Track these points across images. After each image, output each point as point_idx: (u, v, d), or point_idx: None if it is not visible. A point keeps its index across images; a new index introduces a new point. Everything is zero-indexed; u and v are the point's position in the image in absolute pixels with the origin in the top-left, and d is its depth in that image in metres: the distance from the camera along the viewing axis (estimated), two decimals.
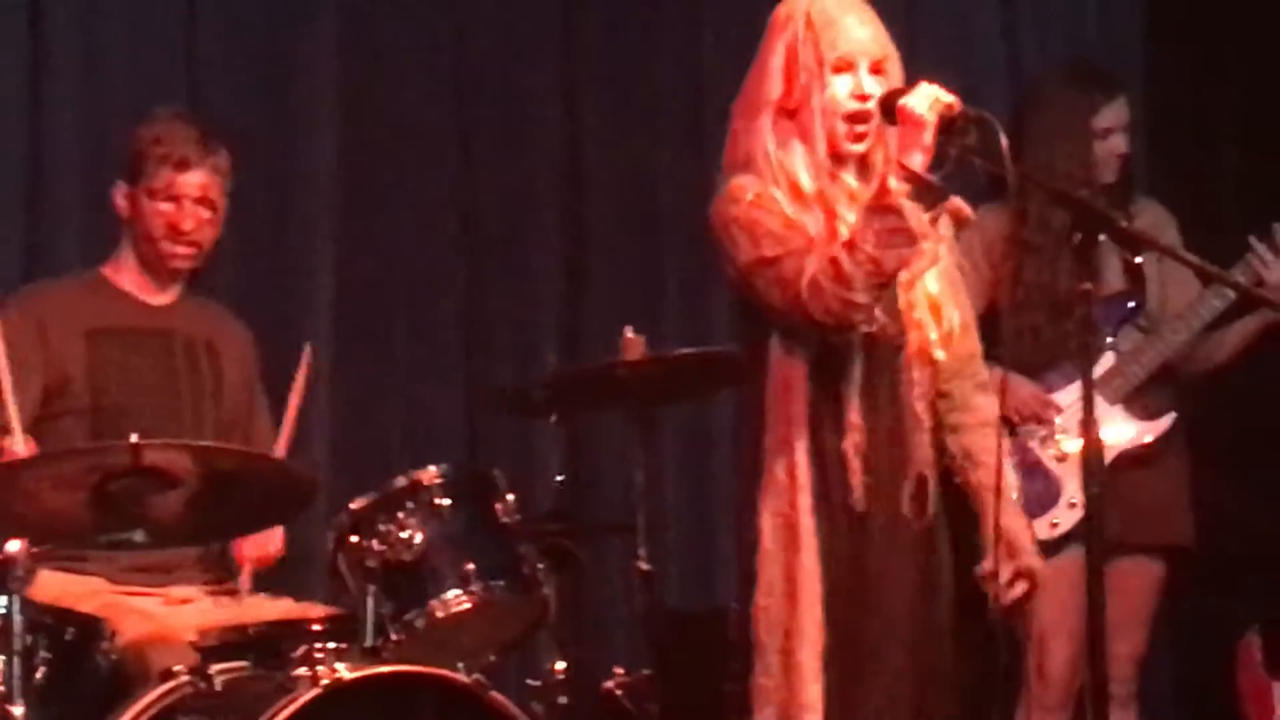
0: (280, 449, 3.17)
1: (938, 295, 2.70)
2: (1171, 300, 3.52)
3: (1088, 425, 2.58)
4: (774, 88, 2.60)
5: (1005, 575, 2.66)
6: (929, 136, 2.53)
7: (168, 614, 3.04)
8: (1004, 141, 2.57)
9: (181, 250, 3.16)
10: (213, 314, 3.34)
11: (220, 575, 3.19)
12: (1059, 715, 3.49)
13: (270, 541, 3.18)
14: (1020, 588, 2.69)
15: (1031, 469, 3.36)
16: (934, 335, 2.70)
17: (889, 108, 2.60)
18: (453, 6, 4.21)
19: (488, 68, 4.26)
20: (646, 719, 3.45)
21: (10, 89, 3.80)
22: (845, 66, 2.58)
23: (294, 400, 3.25)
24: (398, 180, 4.20)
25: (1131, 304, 3.47)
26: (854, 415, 2.66)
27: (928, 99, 2.55)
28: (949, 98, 2.57)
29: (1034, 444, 3.43)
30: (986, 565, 2.66)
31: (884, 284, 2.54)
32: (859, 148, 2.57)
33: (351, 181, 4.15)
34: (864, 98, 2.55)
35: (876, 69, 2.57)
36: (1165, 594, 3.59)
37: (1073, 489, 3.33)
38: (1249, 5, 4.44)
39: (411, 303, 4.17)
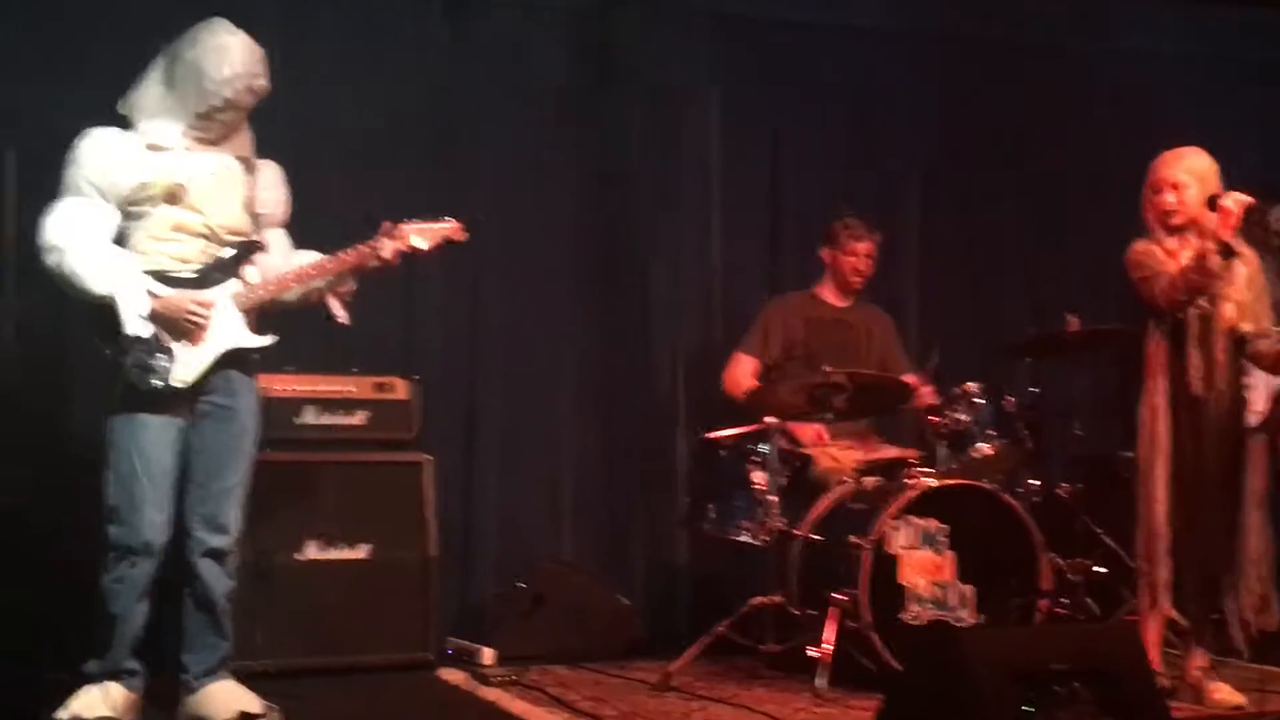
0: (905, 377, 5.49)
1: (1244, 298, 4.47)
2: None
3: None
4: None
5: None
6: (1236, 219, 4.35)
7: (841, 454, 5.42)
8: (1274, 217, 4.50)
9: (856, 280, 5.70)
10: (869, 312, 5.80)
11: (862, 435, 5.57)
12: None
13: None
14: None
15: None
16: (1236, 314, 4.45)
17: (1213, 203, 4.41)
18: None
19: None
20: (1076, 514, 5.39)
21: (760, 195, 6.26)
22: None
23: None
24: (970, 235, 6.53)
25: None
26: (1194, 354, 4.45)
27: (1236, 199, 4.38)
28: (1248, 199, 4.36)
29: None
30: None
31: (1197, 294, 4.41)
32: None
33: (937, 216, 6.43)
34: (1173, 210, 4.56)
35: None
36: None
37: None
38: None
39: (968, 297, 6.45)
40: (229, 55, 4.17)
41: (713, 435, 5.22)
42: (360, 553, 5.08)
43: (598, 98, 6.11)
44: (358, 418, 5.21)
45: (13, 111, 5.01)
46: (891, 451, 5.45)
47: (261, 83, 4.27)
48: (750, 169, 6.34)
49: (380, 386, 5.28)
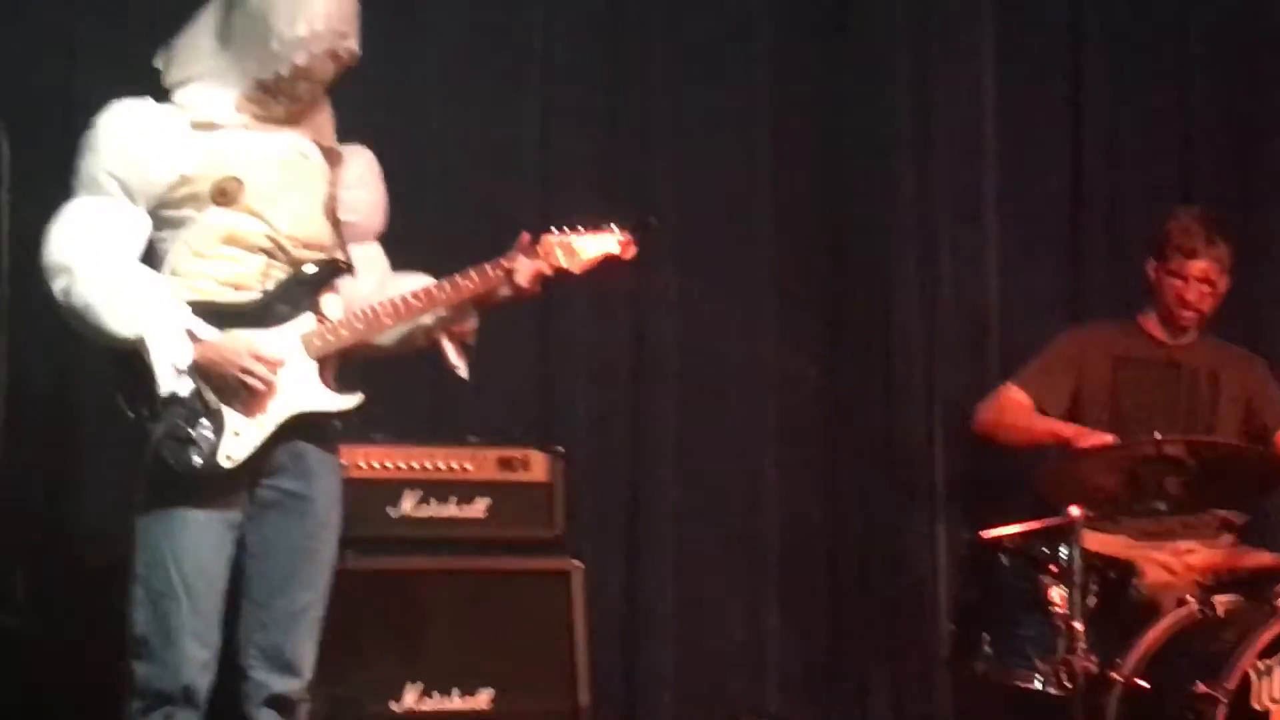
0: None
1: None
2: None
3: None
4: None
5: None
6: None
7: (1177, 561, 5.16)
8: None
9: (1185, 314, 5.34)
10: (1221, 353, 5.43)
11: (1209, 534, 5.27)
12: None
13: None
14: None
15: None
16: None
17: None
18: None
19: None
20: None
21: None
22: None
23: None
24: None
25: None
26: None
27: None
28: None
29: None
30: None
31: None
32: None
33: None
34: None
35: None
36: None
37: None
38: None
39: None
40: (307, 6, 4.12)
41: (990, 533, 5.12)
42: (481, 702, 5.06)
43: (823, 46, 6.08)
44: (477, 508, 5.20)
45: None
46: (1256, 558, 5.31)
47: (350, 44, 4.17)
48: (1043, 141, 6.24)
49: (508, 463, 5.25)
